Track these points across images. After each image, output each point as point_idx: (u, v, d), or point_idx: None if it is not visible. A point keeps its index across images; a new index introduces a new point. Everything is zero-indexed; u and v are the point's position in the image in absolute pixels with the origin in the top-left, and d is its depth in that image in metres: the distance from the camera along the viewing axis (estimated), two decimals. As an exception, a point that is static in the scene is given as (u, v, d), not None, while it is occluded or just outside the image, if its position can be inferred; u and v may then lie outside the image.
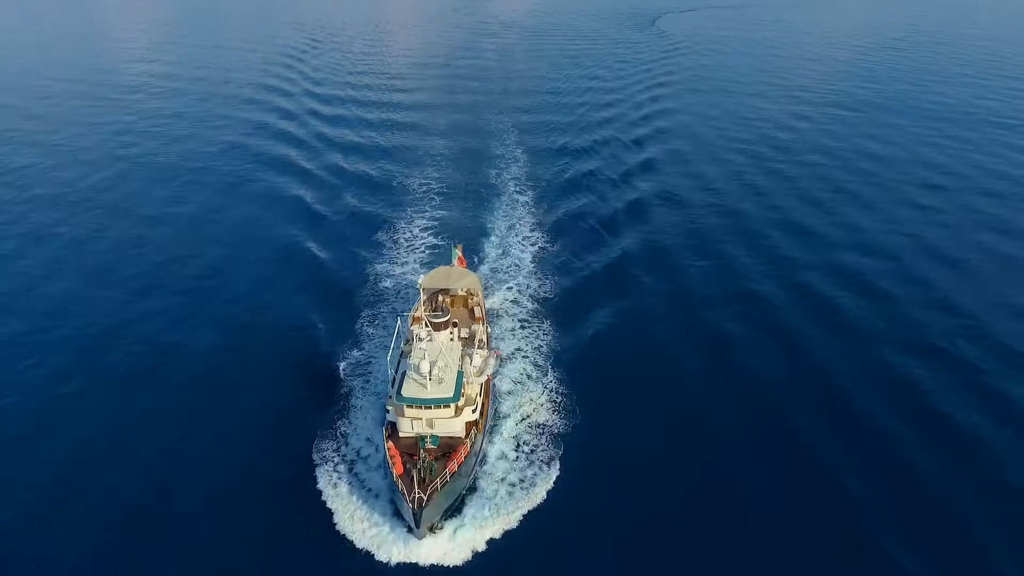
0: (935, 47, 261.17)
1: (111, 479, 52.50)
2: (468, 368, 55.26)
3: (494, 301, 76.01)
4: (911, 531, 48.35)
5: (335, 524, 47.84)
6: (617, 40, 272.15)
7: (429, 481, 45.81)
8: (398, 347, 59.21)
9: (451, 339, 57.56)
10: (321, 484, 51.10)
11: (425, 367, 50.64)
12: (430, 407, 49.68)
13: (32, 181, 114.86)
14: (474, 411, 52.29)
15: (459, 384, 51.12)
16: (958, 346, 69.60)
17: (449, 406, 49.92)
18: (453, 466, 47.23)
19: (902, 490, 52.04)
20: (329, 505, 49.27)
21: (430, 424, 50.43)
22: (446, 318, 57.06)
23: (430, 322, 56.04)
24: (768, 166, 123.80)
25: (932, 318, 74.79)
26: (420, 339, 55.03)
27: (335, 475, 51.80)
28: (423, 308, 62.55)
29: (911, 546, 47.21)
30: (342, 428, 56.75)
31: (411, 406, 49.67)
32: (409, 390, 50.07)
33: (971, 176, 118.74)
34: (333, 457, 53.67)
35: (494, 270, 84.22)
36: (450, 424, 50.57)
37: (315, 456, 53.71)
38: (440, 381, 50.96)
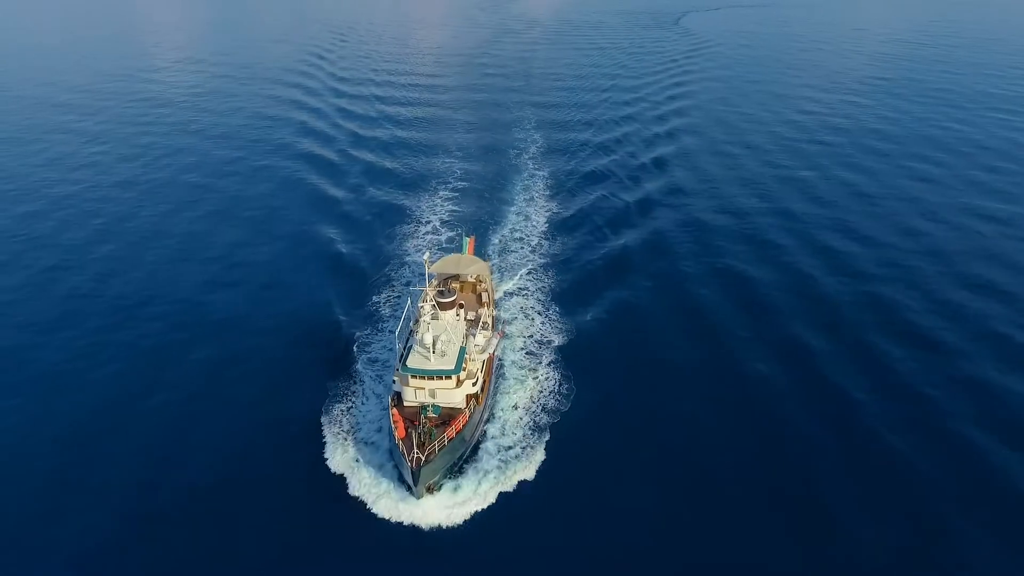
0: (955, 42, 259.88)
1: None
2: (471, 345, 58.56)
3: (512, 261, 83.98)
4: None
5: (339, 483, 51.23)
6: (643, 37, 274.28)
7: (428, 444, 49.09)
8: (407, 324, 62.74)
9: (457, 318, 60.94)
10: (328, 445, 54.79)
11: (429, 339, 54.10)
12: (432, 378, 53.04)
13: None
14: (474, 384, 55.48)
15: (461, 358, 54.33)
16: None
17: (450, 377, 53.20)
18: (452, 432, 50.43)
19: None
20: (334, 466, 52.78)
21: (432, 394, 53.73)
22: (453, 298, 60.55)
23: (437, 301, 59.50)
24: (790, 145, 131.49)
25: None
26: (426, 313, 58.55)
27: (342, 438, 55.38)
28: (432, 291, 65.95)
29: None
30: (350, 395, 60.49)
31: (415, 376, 53.11)
32: (413, 361, 53.52)
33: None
34: (340, 421, 57.31)
35: (512, 230, 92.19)
36: (451, 395, 53.80)
37: (323, 419, 57.44)
38: (443, 354, 54.27)
